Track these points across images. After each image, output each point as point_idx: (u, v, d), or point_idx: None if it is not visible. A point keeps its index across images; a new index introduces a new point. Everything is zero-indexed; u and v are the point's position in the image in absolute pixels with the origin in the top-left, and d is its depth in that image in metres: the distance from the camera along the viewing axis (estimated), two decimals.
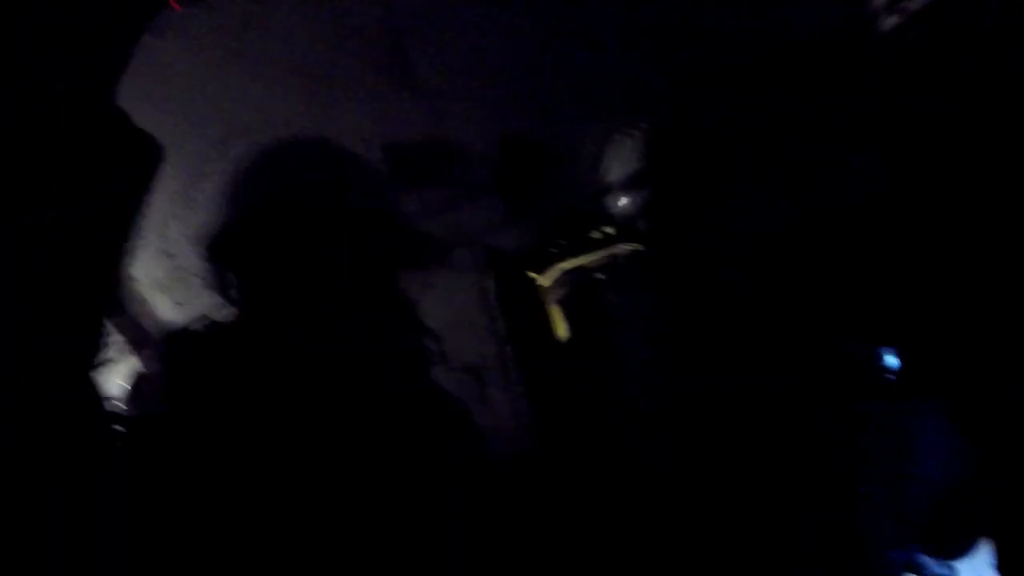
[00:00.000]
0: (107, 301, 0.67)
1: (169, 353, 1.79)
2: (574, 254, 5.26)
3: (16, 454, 0.63)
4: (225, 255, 1.77)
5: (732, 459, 2.31)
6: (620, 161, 2.55)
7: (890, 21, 2.24)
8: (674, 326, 2.32)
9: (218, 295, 1.82)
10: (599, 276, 3.98)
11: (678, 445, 2.48)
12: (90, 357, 0.68)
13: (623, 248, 3.58)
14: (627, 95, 3.90)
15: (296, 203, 1.79)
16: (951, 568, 2.43)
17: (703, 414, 2.36)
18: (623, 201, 2.53)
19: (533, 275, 5.82)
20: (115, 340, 7.35)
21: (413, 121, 4.29)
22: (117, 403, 4.57)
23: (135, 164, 0.61)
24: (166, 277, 6.82)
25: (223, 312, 1.81)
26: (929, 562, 2.36)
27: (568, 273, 4.16)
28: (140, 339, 7.36)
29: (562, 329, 4.48)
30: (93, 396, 0.66)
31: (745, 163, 2.56)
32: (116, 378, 6.79)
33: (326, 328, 1.68)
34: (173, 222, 6.09)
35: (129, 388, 4.24)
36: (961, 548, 2.39)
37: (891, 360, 2.53)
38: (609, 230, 3.13)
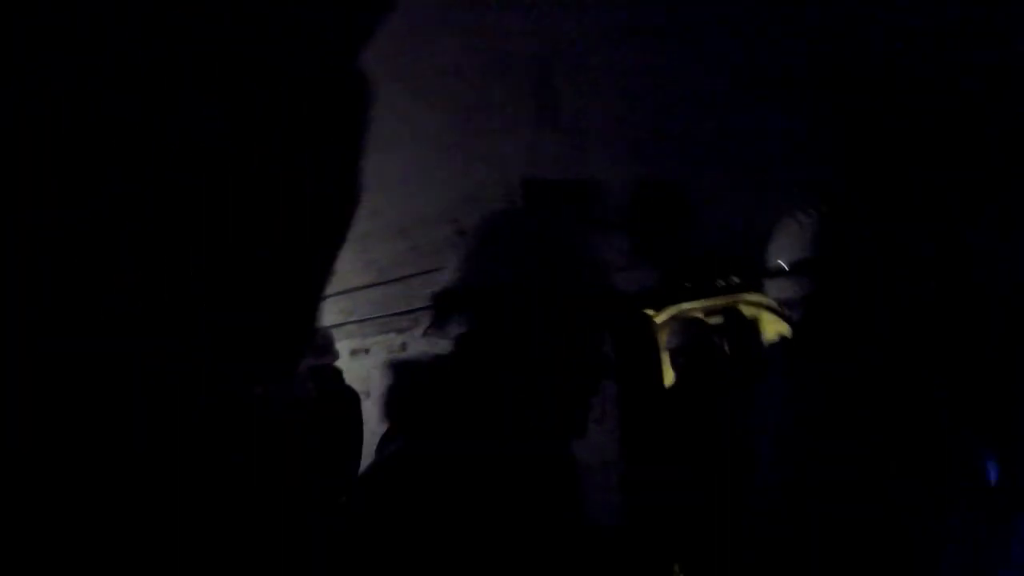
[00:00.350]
0: (110, 301, 0.60)
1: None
2: (694, 299, 5.23)
3: (15, 454, 0.62)
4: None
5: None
6: (787, 242, 2.45)
7: None
8: (806, 420, 2.24)
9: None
10: (715, 325, 3.94)
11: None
12: (97, 358, 0.62)
13: (747, 303, 3.53)
14: (790, 171, 3.87)
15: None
16: None
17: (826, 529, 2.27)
18: (783, 283, 2.42)
19: (650, 313, 5.81)
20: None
21: (556, 157, 4.38)
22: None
23: (135, 164, 0.57)
24: None
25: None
26: None
27: (685, 319, 4.14)
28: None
29: (669, 375, 4.45)
30: (106, 397, 0.60)
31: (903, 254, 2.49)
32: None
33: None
34: None
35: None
36: None
37: (993, 470, 2.42)
38: (735, 279, 3.10)
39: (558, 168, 4.37)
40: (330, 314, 7.51)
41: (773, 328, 7.03)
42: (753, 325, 8.01)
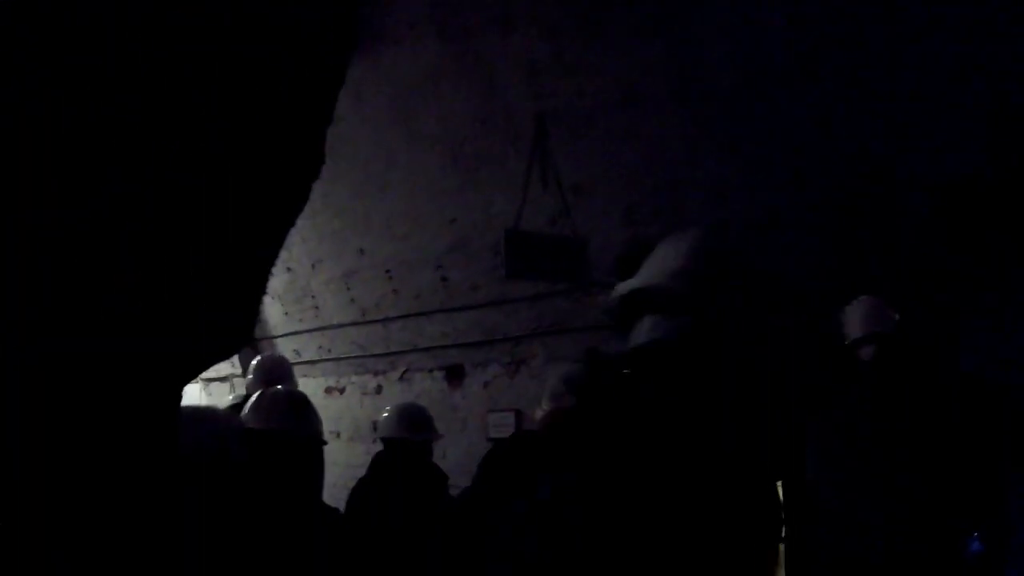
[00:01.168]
0: (112, 301, 0.59)
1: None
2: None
3: (15, 454, 0.61)
4: None
5: None
6: None
7: None
8: None
9: None
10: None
11: None
12: (95, 357, 0.61)
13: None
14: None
15: None
16: None
17: None
18: None
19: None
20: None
21: (547, 208, 4.40)
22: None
23: (135, 164, 0.56)
24: (282, 287, 7.19)
25: None
26: None
27: None
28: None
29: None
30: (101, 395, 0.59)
31: None
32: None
33: None
34: (301, 244, 6.45)
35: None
36: None
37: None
38: None
39: (548, 224, 4.39)
40: (308, 349, 7.42)
41: None
42: None
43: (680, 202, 4.11)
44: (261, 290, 0.75)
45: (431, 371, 5.93)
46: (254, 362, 3.94)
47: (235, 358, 8.00)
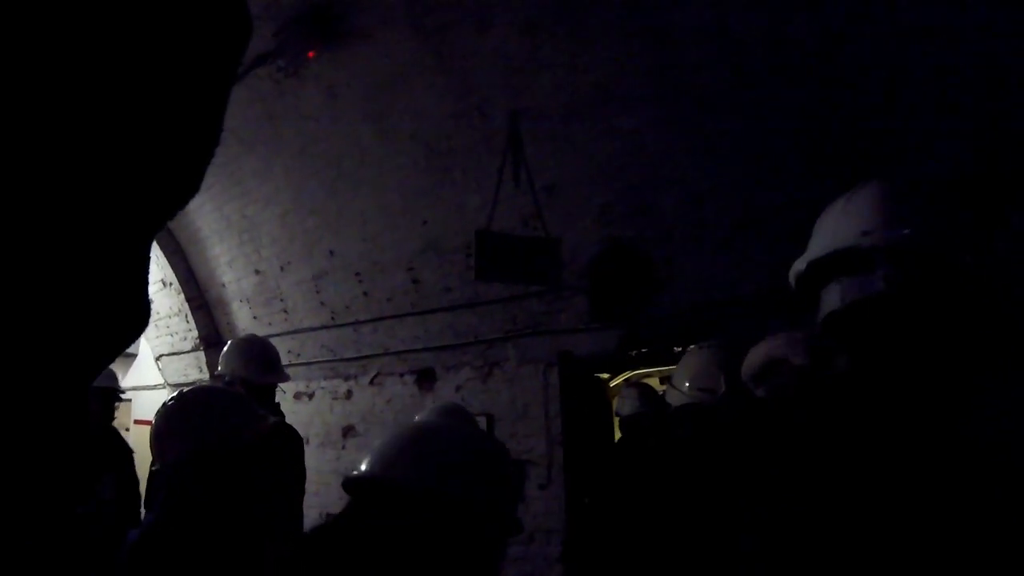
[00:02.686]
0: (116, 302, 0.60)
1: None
2: (651, 364, 5.17)
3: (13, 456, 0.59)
4: None
5: None
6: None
7: None
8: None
9: None
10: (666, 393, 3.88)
11: None
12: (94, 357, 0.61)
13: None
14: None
15: None
16: None
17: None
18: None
19: (603, 377, 5.74)
20: (190, 334, 7.61)
21: (520, 208, 4.33)
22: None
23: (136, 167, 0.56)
24: (252, 290, 7.05)
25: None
26: None
27: (639, 386, 4.06)
28: (211, 338, 7.60)
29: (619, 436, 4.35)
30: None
31: None
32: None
33: None
34: (271, 246, 6.33)
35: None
36: None
37: None
38: (692, 348, 3.03)
39: (520, 225, 4.33)
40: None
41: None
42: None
43: (655, 202, 4.06)
44: (146, 275, 0.71)
45: (402, 375, 5.83)
46: (235, 345, 3.53)
47: (202, 362, 7.84)
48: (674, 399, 2.77)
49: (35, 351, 0.61)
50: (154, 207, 0.74)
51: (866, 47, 3.27)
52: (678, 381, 2.81)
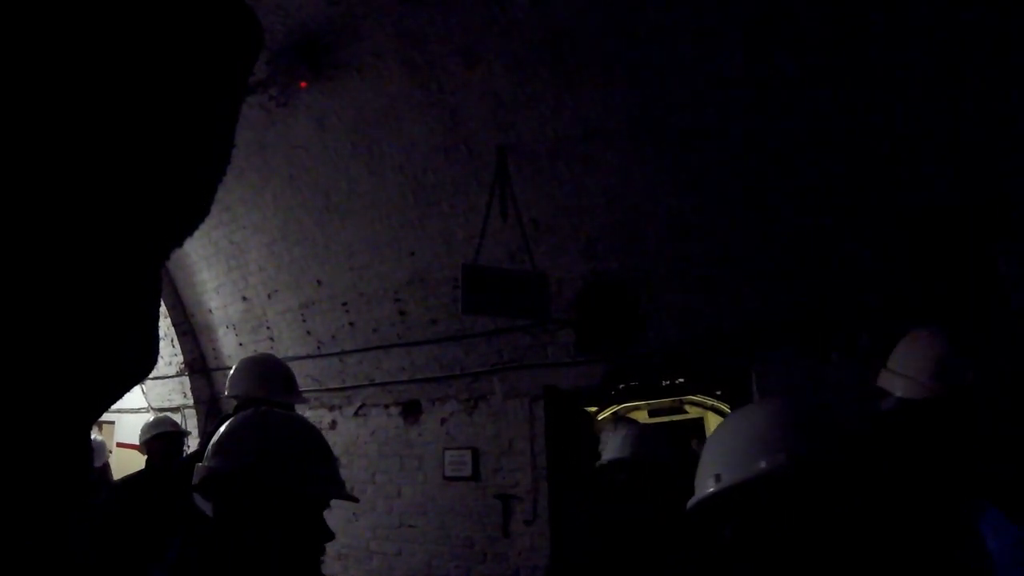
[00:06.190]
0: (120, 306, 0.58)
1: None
2: (639, 397, 5.16)
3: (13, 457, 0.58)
4: None
5: None
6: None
7: None
8: None
9: None
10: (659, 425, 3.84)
11: None
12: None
13: (691, 403, 3.48)
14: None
15: None
16: None
17: None
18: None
19: (591, 411, 5.71)
20: (176, 360, 7.54)
21: (507, 242, 4.33)
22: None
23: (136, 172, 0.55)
24: (238, 317, 7.01)
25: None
26: None
27: (625, 418, 4.04)
28: (196, 364, 7.54)
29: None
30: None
31: None
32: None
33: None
34: (259, 273, 6.30)
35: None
36: None
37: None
38: (680, 380, 3.02)
39: (508, 258, 4.32)
40: None
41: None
42: (699, 424, 7.95)
43: (639, 236, 4.07)
44: (156, 310, 0.70)
45: (387, 407, 5.79)
46: (248, 363, 3.22)
47: (187, 388, 7.77)
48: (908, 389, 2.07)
49: (41, 390, 0.59)
50: (166, 231, 0.70)
51: (848, 78, 3.30)
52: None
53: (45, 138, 0.55)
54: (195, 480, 1.60)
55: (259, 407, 1.79)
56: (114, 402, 0.70)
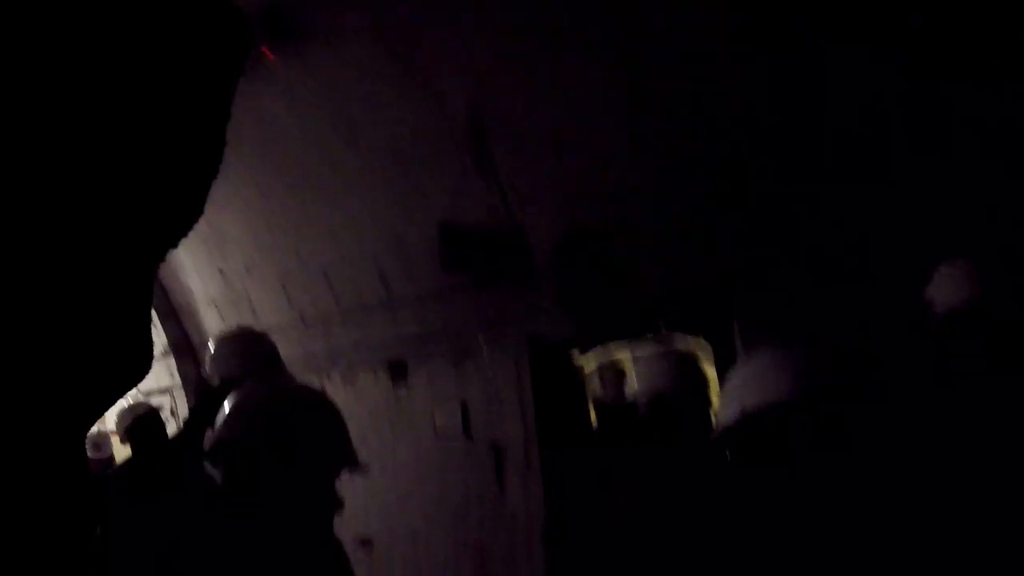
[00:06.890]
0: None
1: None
2: (620, 346, 5.27)
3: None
4: None
5: None
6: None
7: None
8: None
9: None
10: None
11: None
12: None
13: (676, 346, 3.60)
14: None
15: None
16: None
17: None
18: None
19: (578, 361, 5.82)
20: (159, 341, 7.54)
21: (486, 203, 4.39)
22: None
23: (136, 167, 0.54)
24: (218, 294, 7.02)
25: None
26: None
27: (611, 365, 4.17)
28: (181, 344, 7.55)
29: (595, 419, 4.45)
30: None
31: None
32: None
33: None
34: (234, 246, 6.32)
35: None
36: None
37: None
38: (662, 327, 3.12)
39: (487, 218, 4.40)
40: None
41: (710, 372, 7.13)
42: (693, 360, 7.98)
43: (620, 185, 4.11)
44: (148, 313, 0.68)
45: (375, 371, 5.88)
46: (226, 341, 3.20)
47: (173, 369, 7.78)
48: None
49: (37, 393, 0.57)
50: (159, 232, 0.68)
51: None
52: None
53: (45, 138, 0.56)
54: (206, 447, 1.62)
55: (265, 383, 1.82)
56: (109, 407, 0.69)
